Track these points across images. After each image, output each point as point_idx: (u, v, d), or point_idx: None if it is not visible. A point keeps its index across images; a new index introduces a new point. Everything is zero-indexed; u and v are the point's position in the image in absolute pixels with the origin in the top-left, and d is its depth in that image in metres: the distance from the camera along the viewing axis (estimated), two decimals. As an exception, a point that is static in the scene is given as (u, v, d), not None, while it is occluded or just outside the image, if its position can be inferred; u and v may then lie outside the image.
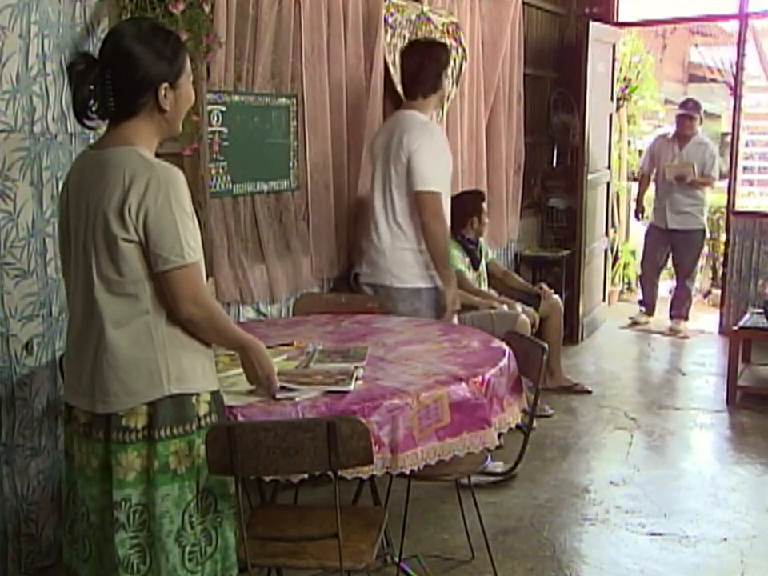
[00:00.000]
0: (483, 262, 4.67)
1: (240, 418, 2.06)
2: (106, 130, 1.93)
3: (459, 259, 4.40)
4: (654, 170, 6.32)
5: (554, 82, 6.45)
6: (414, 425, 2.19)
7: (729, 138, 6.58)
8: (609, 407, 4.67)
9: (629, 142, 7.67)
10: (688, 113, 6.09)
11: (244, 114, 3.53)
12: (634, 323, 6.44)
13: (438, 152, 3.41)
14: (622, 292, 7.33)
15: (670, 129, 6.44)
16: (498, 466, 3.60)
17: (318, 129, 3.86)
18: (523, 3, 5.66)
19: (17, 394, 2.69)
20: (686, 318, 6.31)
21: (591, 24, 5.75)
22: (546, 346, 2.67)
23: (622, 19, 6.53)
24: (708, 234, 6.56)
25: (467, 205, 4.43)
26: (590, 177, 5.91)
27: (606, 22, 6.19)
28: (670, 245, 6.25)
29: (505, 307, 4.32)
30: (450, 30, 4.78)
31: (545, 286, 4.89)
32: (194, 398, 1.91)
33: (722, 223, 6.77)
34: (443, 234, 3.42)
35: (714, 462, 4.00)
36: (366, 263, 3.62)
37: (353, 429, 1.92)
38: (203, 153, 3.23)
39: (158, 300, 1.86)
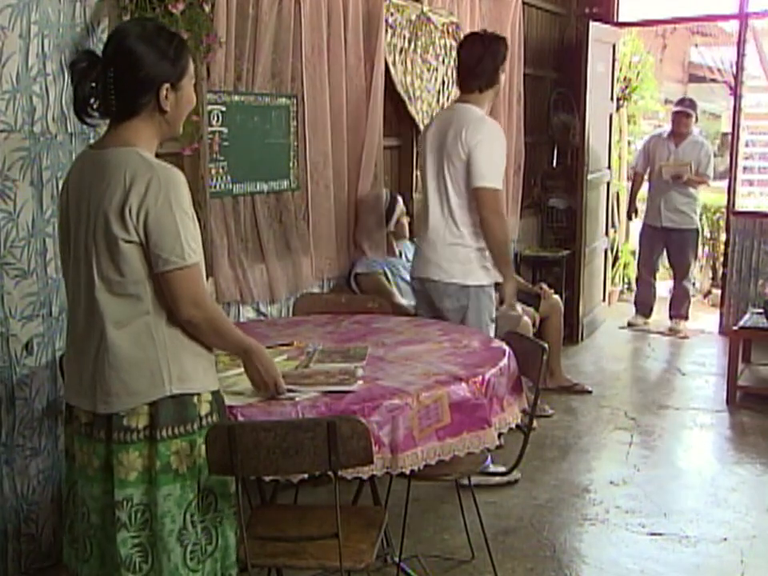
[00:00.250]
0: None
1: (240, 418, 2.06)
2: (106, 129, 1.93)
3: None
4: (648, 169, 6.33)
5: (554, 82, 6.45)
6: (414, 425, 2.19)
7: (729, 138, 6.58)
8: (609, 407, 4.67)
9: (629, 142, 7.68)
10: (684, 110, 6.10)
11: (244, 114, 3.53)
12: (630, 326, 6.43)
13: (497, 148, 3.37)
14: (622, 292, 7.33)
15: (666, 128, 6.45)
16: (500, 469, 3.60)
17: (317, 129, 3.86)
18: (523, 3, 5.67)
19: (17, 394, 2.69)
20: (686, 318, 6.31)
21: (591, 24, 5.75)
22: (546, 345, 2.67)
23: (622, 19, 6.53)
24: (708, 234, 6.56)
25: None
26: (589, 177, 5.92)
27: (606, 22, 6.19)
28: (665, 244, 6.26)
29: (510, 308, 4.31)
30: (450, 30, 4.79)
31: (545, 286, 4.89)
32: (195, 398, 1.91)
33: (722, 223, 6.77)
34: (503, 230, 3.38)
35: (713, 462, 4.00)
36: (416, 256, 3.60)
37: (353, 429, 1.92)
38: (203, 153, 3.23)
39: (159, 300, 1.86)
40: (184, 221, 1.83)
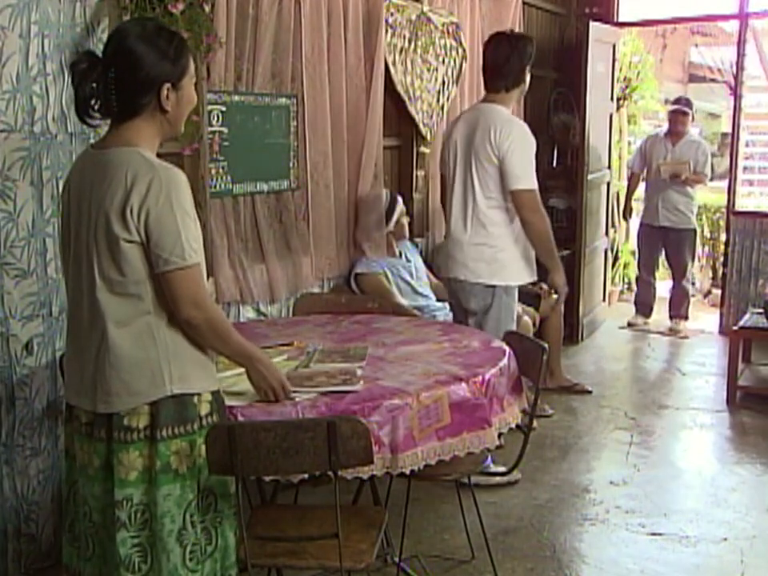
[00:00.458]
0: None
1: (240, 418, 2.06)
2: (107, 130, 1.93)
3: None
4: (645, 169, 6.33)
5: (554, 82, 6.45)
6: (414, 425, 2.19)
7: (729, 138, 6.58)
8: (609, 407, 4.67)
9: (629, 142, 7.67)
10: (681, 108, 6.11)
11: (244, 114, 3.53)
12: (630, 325, 6.44)
13: (527, 148, 3.38)
14: (622, 292, 7.33)
15: (663, 129, 6.45)
16: (500, 469, 3.60)
17: (317, 129, 3.86)
18: (523, 3, 5.67)
19: (17, 394, 2.69)
20: (686, 318, 6.31)
21: (591, 24, 5.75)
22: (546, 345, 2.67)
23: (622, 19, 6.52)
24: (708, 234, 6.56)
25: None
26: (590, 177, 5.91)
27: (606, 22, 6.19)
28: (663, 244, 6.26)
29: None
30: (450, 30, 4.79)
31: (545, 286, 4.87)
32: (195, 398, 1.92)
33: (722, 223, 6.77)
34: (545, 227, 3.39)
35: (714, 461, 4.00)
36: (442, 255, 3.60)
37: (353, 429, 1.92)
38: (203, 153, 3.23)
39: (160, 301, 1.86)
40: (185, 221, 1.83)
